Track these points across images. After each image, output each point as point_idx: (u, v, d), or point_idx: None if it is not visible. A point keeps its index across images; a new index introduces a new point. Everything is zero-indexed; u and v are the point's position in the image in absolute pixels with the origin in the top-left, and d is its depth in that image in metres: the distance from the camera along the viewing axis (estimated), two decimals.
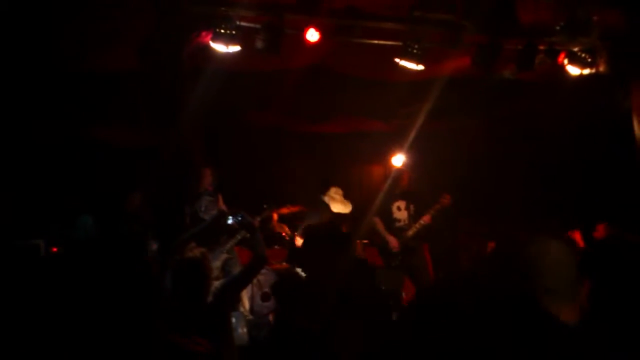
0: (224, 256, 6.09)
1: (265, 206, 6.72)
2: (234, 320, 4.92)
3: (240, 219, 6.11)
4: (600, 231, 6.49)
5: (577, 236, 6.43)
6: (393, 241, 6.89)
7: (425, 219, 6.88)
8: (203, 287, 4.02)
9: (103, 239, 5.67)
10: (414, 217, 7.03)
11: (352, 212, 7.04)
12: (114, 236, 5.67)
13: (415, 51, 6.02)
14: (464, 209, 7.44)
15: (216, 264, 6.02)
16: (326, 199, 6.79)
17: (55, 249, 5.86)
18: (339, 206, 6.81)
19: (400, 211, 7.05)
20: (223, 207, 6.27)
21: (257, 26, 5.66)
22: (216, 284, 4.53)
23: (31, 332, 3.03)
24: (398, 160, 7.46)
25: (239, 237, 6.18)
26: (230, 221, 6.08)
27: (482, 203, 7.83)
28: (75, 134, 7.00)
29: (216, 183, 6.18)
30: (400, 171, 7.12)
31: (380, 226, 7.02)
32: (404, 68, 6.10)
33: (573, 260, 1.93)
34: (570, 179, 7.43)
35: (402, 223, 7.05)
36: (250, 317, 5.95)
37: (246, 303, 5.99)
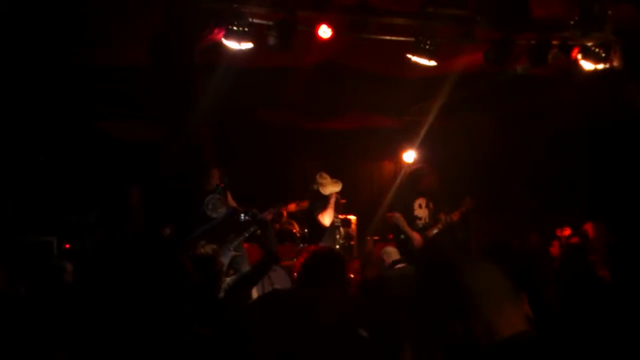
0: (232, 254, 6.10)
1: (275, 203, 6.72)
2: None
3: (252, 215, 6.15)
4: (588, 230, 6.47)
5: (589, 229, 6.40)
6: (417, 238, 6.82)
7: (447, 218, 6.82)
8: (215, 284, 4.03)
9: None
10: (433, 215, 6.97)
11: (360, 208, 7.00)
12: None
13: (427, 47, 5.99)
14: (476, 205, 7.40)
15: (224, 261, 6.04)
16: (315, 186, 6.78)
17: (68, 245, 5.88)
18: (330, 187, 6.79)
19: (421, 209, 6.98)
20: (233, 203, 6.28)
21: (270, 23, 5.64)
22: (227, 280, 4.55)
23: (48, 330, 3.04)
24: (409, 156, 7.42)
25: (246, 234, 6.18)
26: (242, 218, 6.13)
27: (493, 199, 7.79)
28: (86, 128, 7.02)
29: (227, 182, 6.18)
30: (422, 169, 7.04)
31: (402, 222, 6.94)
32: (416, 64, 6.07)
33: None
34: (582, 175, 7.38)
35: (423, 221, 6.98)
36: None
37: None
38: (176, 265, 3.08)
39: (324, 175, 6.82)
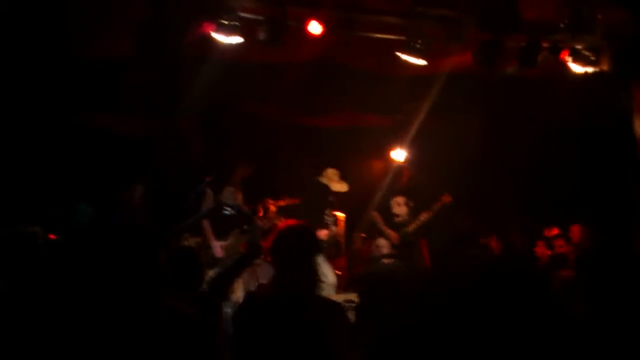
0: (229, 247, 6.17)
1: (265, 199, 6.75)
2: (228, 310, 4.94)
3: (236, 209, 6.17)
4: (575, 232, 6.50)
5: (576, 231, 6.45)
6: (393, 235, 6.90)
7: (425, 216, 6.90)
8: (197, 276, 4.05)
9: (110, 226, 5.67)
10: (413, 213, 7.04)
11: (349, 206, 7.04)
12: (121, 225, 5.68)
13: (418, 46, 6.01)
14: (463, 206, 7.45)
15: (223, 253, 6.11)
16: (324, 179, 6.79)
17: (53, 236, 5.84)
18: (337, 185, 6.82)
19: (399, 206, 7.07)
20: (241, 200, 6.33)
21: (260, 18, 5.65)
22: (210, 273, 4.57)
23: (31, 321, 3.04)
24: (398, 155, 7.46)
25: (241, 231, 6.25)
26: (228, 212, 6.15)
27: (481, 200, 7.83)
28: (75, 120, 7.00)
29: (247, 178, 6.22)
30: (400, 167, 7.13)
31: (379, 220, 7.04)
32: (406, 63, 6.09)
33: None
34: (569, 177, 7.42)
35: (401, 218, 7.07)
36: None
37: (239, 293, 6.02)
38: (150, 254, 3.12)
39: (336, 172, 6.83)
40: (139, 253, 3.35)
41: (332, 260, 6.83)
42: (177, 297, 3.43)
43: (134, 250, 3.41)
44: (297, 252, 3.00)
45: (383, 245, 6.56)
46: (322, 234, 6.75)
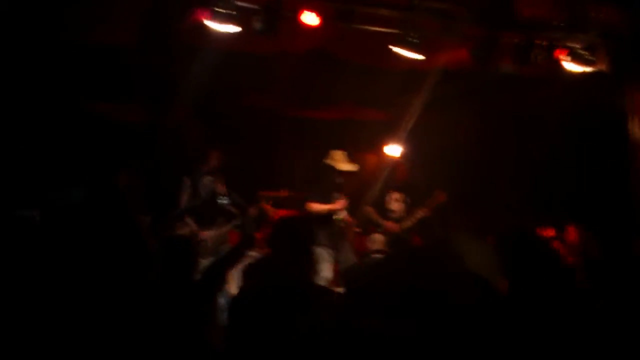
0: (218, 238, 6.13)
1: (261, 191, 6.72)
2: (221, 300, 4.92)
3: (231, 199, 6.15)
4: (571, 233, 6.51)
5: (571, 232, 6.44)
6: (391, 226, 6.83)
7: (421, 213, 6.86)
8: (191, 265, 4.02)
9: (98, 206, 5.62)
10: (409, 209, 7.00)
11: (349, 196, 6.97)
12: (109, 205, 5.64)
13: (412, 40, 6.00)
14: (456, 202, 7.45)
15: (210, 244, 6.06)
16: (329, 161, 6.70)
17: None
18: (345, 165, 6.73)
19: (395, 202, 7.03)
20: (220, 189, 6.27)
21: (256, 7, 5.62)
22: (204, 262, 4.55)
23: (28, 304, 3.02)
24: (393, 150, 7.43)
25: (236, 222, 6.21)
26: (222, 201, 6.13)
27: (474, 196, 7.83)
28: (74, 106, 6.95)
29: (223, 165, 6.18)
30: (396, 163, 7.08)
31: (374, 215, 6.99)
32: (401, 56, 6.07)
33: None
34: (563, 176, 7.43)
35: (396, 214, 7.03)
36: None
37: (232, 284, 5.99)
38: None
39: (341, 152, 6.72)
40: (129, 239, 3.34)
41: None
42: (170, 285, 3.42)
43: (124, 235, 3.41)
44: (294, 243, 2.99)
45: (377, 240, 6.51)
46: (339, 204, 6.61)
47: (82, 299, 2.94)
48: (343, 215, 6.71)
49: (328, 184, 6.62)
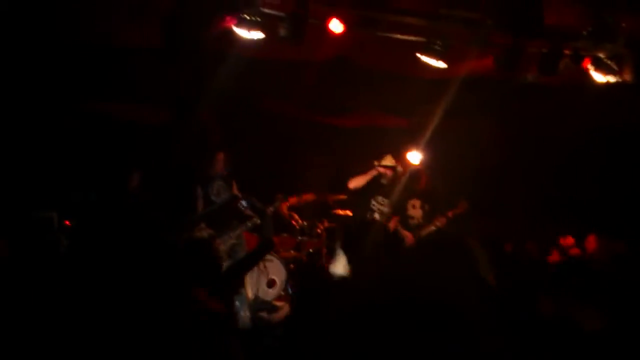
0: (232, 241, 6.14)
1: (279, 195, 6.73)
2: (237, 303, 4.96)
3: (251, 204, 6.19)
4: (591, 242, 6.42)
5: (592, 241, 6.36)
6: (409, 237, 6.82)
7: (441, 222, 6.82)
8: (212, 268, 4.04)
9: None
10: (428, 217, 6.97)
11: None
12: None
13: (438, 48, 6.00)
14: (478, 211, 7.39)
15: (223, 248, 6.07)
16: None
17: (68, 222, 5.89)
18: (389, 160, 6.77)
19: (414, 209, 7.00)
20: (236, 192, 6.30)
21: (282, 14, 5.65)
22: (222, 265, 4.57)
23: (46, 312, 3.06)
24: (414, 157, 7.40)
25: (249, 224, 6.21)
26: (243, 205, 6.17)
27: (494, 204, 7.77)
28: (92, 108, 7.04)
29: (230, 168, 6.20)
30: (417, 170, 7.05)
31: (394, 222, 6.97)
32: (425, 64, 6.07)
33: None
34: (584, 185, 7.34)
35: (416, 221, 6.99)
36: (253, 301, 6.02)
37: (249, 289, 6.02)
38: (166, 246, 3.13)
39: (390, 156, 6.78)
40: (156, 243, 3.36)
41: None
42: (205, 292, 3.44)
43: (152, 240, 3.42)
44: None
45: None
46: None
47: (99, 299, 2.96)
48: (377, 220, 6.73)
49: (372, 188, 6.61)
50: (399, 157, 6.90)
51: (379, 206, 6.71)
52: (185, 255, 3.91)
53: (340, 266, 6.33)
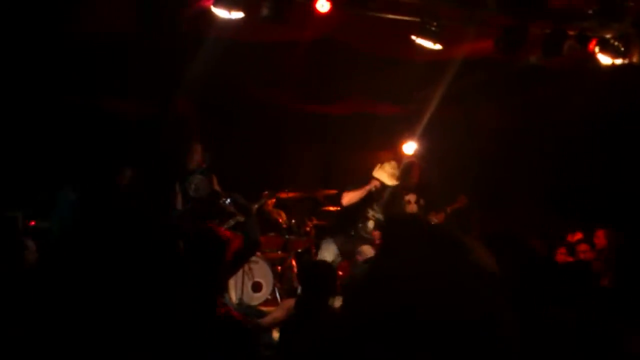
0: None
1: (265, 192, 6.35)
2: None
3: (234, 201, 5.74)
4: (600, 237, 6.19)
5: (601, 236, 6.09)
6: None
7: (438, 218, 6.48)
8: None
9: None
10: (424, 211, 6.63)
11: None
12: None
13: (432, 29, 5.69)
14: (478, 206, 7.06)
15: None
16: (379, 173, 6.18)
17: (33, 222, 5.52)
18: (391, 181, 6.26)
19: (410, 204, 6.65)
20: (217, 188, 5.87)
21: None
22: None
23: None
24: (409, 147, 7.01)
25: (232, 222, 5.81)
26: (226, 202, 5.75)
27: (494, 197, 7.45)
28: (68, 99, 6.62)
29: (208, 162, 5.77)
30: (411, 164, 6.65)
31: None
32: (420, 47, 5.75)
33: None
34: (592, 175, 7.04)
35: None
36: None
37: (232, 293, 5.62)
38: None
39: (394, 165, 6.26)
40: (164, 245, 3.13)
41: None
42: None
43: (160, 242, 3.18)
44: None
45: (365, 251, 6.11)
46: None
47: (95, 300, 2.66)
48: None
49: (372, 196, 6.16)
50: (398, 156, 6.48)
51: (374, 213, 6.27)
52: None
53: (328, 253, 6.01)
